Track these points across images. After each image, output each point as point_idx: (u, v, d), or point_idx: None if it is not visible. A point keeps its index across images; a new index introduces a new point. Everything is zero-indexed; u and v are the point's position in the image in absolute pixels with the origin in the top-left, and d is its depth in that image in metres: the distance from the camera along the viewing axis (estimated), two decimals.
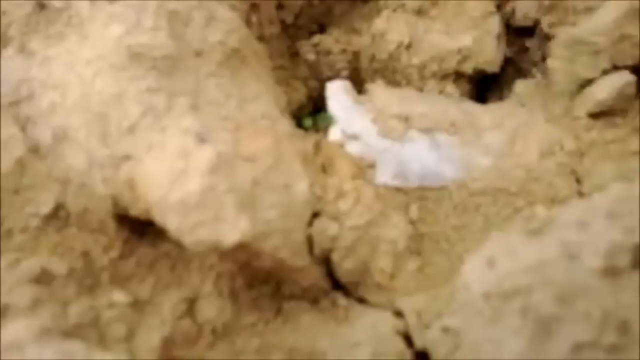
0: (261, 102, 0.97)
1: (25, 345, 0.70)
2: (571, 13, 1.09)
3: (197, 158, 0.82)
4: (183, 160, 0.82)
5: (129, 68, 0.89)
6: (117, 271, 0.89)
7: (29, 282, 0.79)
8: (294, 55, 1.27)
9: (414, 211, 0.98)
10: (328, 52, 1.27)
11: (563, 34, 1.07)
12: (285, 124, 0.99)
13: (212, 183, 0.80)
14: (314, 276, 0.92)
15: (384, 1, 1.23)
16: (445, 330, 0.82)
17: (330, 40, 1.27)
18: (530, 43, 1.19)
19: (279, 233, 0.84)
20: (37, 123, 0.92)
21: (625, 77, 1.02)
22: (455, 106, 1.09)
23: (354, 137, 1.03)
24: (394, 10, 1.21)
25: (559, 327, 0.70)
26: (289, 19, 1.27)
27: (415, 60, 1.17)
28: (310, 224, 0.90)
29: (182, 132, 0.85)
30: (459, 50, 1.15)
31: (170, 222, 0.81)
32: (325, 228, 0.90)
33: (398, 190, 0.99)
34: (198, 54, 0.94)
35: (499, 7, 1.18)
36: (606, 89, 1.02)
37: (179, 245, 0.83)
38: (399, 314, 0.90)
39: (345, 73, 1.26)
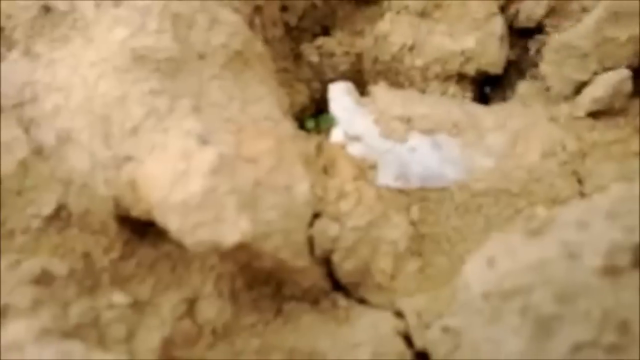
0: (264, 104, 0.97)
1: (25, 345, 0.71)
2: (573, 15, 1.09)
3: (198, 159, 0.82)
4: (185, 161, 0.82)
5: (133, 70, 0.89)
6: (118, 272, 0.89)
7: (30, 283, 0.80)
8: (297, 57, 1.27)
9: (415, 212, 0.98)
10: (331, 54, 1.27)
11: (552, 39, 1.09)
12: (288, 126, 0.99)
13: (214, 184, 0.81)
14: (315, 277, 0.92)
15: (388, 2, 1.23)
16: (445, 330, 0.81)
17: (333, 42, 1.27)
18: (530, 45, 1.18)
19: (280, 234, 0.84)
20: (41, 125, 0.92)
21: (621, 74, 1.02)
22: (458, 107, 1.08)
23: (356, 139, 1.03)
24: (397, 12, 1.20)
25: (558, 326, 0.70)
26: (293, 21, 1.27)
27: (418, 62, 1.17)
28: (311, 224, 0.90)
29: (184, 133, 0.85)
30: (462, 52, 1.14)
31: (171, 222, 0.81)
32: (326, 229, 0.90)
33: (399, 191, 0.99)
34: (201, 56, 0.94)
35: (502, 9, 1.18)
36: (602, 86, 1.02)
37: (179, 246, 0.84)
38: (399, 314, 0.90)
39: (348, 75, 1.25)
